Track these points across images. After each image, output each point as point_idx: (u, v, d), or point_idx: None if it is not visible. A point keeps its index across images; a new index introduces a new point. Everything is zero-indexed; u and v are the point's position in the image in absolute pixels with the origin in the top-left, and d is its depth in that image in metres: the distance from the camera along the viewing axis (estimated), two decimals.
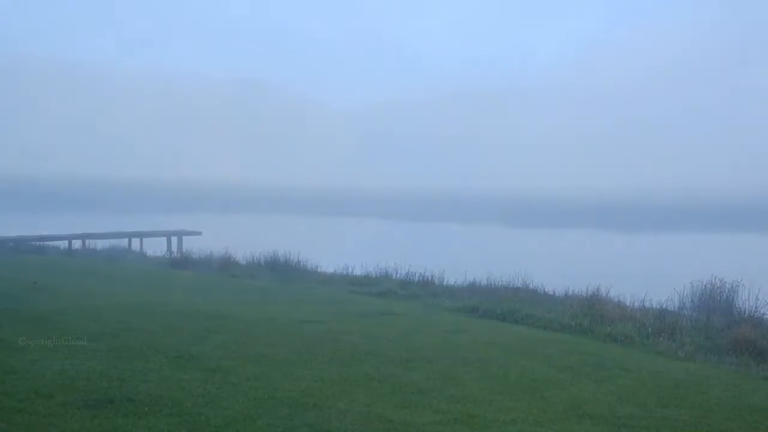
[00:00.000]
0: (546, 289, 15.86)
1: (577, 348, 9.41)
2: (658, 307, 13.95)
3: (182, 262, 20.04)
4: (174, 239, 30.73)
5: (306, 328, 9.35)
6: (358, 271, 18.38)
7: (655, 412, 6.27)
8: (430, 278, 16.94)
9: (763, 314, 13.17)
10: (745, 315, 13.04)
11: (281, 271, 18.04)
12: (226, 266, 19.07)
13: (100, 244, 27.30)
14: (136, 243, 29.25)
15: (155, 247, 28.07)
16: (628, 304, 13.70)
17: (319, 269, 19.17)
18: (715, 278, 14.89)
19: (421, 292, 15.28)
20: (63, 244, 26.95)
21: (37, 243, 26.24)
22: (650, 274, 22.46)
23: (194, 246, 24.22)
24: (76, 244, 26.81)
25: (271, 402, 5.60)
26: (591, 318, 11.70)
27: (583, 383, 7.27)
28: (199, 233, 31.43)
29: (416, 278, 16.96)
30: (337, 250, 27.15)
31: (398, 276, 17.42)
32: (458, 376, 7.16)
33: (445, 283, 16.96)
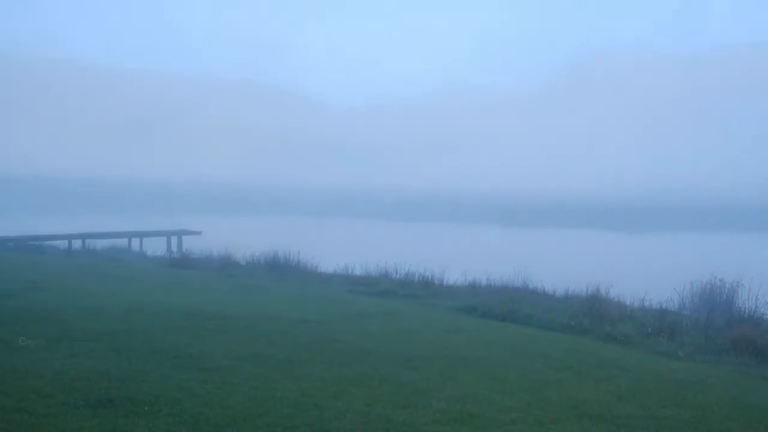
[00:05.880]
0: (546, 289, 15.86)
1: (577, 348, 9.41)
2: (658, 306, 13.96)
3: (182, 262, 20.04)
4: (174, 239, 30.75)
5: (306, 328, 9.34)
6: (358, 271, 18.39)
7: (655, 412, 6.28)
8: (430, 278, 16.93)
9: (763, 314, 13.19)
10: (745, 315, 13.06)
11: (281, 271, 18.03)
12: (226, 266, 19.07)
13: (100, 244, 27.32)
14: (136, 243, 29.26)
15: (155, 247, 28.08)
16: (628, 303, 13.72)
17: (319, 269, 19.17)
18: (715, 278, 14.92)
19: (421, 292, 15.28)
20: (63, 244, 26.93)
21: (37, 243, 26.25)
22: (650, 273, 22.46)
23: (194, 246, 24.25)
24: (76, 244, 26.79)
25: (270, 402, 5.59)
26: (591, 318, 11.72)
27: (583, 383, 7.27)
28: (199, 233, 31.44)
29: (416, 278, 16.95)
30: (337, 250, 27.12)
31: (398, 276, 17.42)
32: (458, 376, 7.15)
33: (445, 283, 16.96)
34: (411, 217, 68.81)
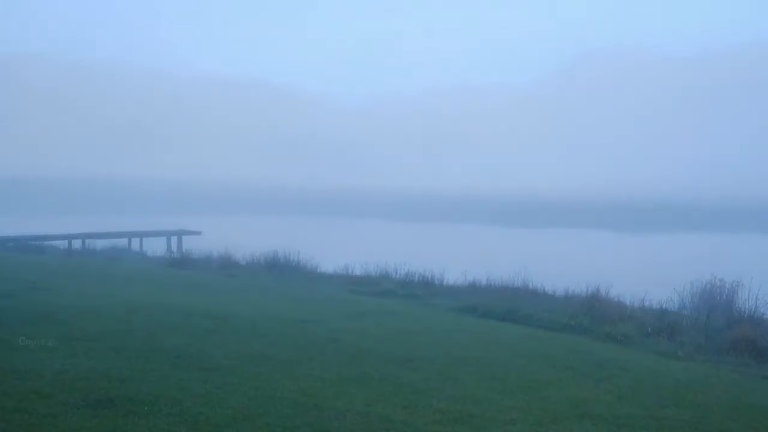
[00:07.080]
0: (546, 289, 15.87)
1: (577, 348, 9.42)
2: (658, 306, 13.97)
3: (182, 262, 20.04)
4: (174, 239, 30.73)
5: (306, 328, 9.34)
6: (358, 271, 18.40)
7: (655, 412, 6.28)
8: (430, 278, 16.95)
9: (763, 314, 13.19)
10: (745, 315, 13.06)
11: (281, 271, 18.05)
12: (225, 266, 19.08)
13: (100, 244, 27.30)
14: (136, 243, 29.25)
15: (155, 247, 28.07)
16: (628, 303, 13.73)
17: (319, 269, 19.18)
18: (715, 278, 14.93)
19: (421, 291, 15.30)
20: (63, 244, 26.92)
21: (37, 243, 26.25)
22: (650, 273, 22.46)
23: (194, 246, 24.25)
24: (76, 244, 26.78)
25: (271, 402, 5.60)
26: (591, 318, 11.73)
27: (583, 383, 7.28)
28: (199, 233, 31.44)
29: (416, 278, 16.97)
30: (337, 250, 27.14)
31: (398, 276, 17.43)
32: (458, 376, 7.16)
33: (445, 283, 16.97)
34: (411, 217, 68.83)
